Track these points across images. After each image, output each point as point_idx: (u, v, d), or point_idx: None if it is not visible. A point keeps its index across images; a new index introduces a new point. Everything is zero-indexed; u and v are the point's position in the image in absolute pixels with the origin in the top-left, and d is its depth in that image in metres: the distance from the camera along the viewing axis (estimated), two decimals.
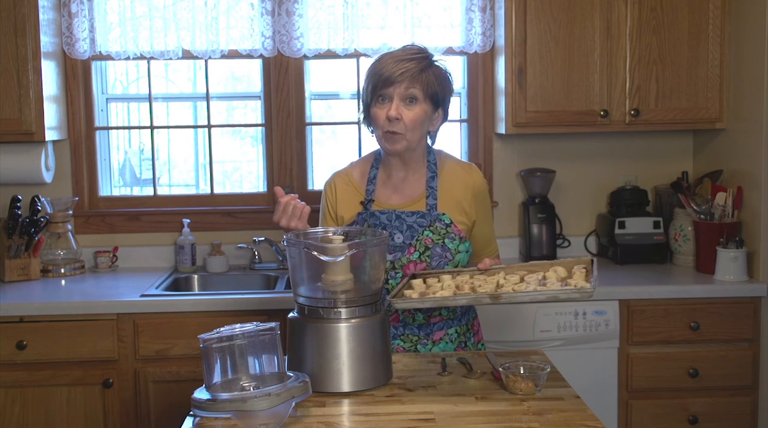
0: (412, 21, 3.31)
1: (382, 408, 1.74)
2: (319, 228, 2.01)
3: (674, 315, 2.92)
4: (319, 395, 1.79)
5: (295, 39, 3.30)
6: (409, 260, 2.14)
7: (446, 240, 2.15)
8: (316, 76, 3.56)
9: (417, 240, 2.15)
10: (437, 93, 2.11)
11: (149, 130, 3.52)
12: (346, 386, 1.80)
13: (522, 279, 1.96)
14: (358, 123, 3.53)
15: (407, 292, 1.93)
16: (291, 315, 1.89)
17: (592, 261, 2.01)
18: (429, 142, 2.24)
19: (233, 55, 3.35)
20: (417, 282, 2.00)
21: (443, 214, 2.16)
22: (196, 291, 3.32)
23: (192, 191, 3.74)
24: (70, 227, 3.34)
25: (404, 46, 2.17)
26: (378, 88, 2.09)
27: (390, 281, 2.16)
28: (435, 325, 2.20)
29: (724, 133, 3.22)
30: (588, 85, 3.13)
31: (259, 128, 3.55)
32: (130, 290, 2.99)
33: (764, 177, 2.93)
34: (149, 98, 3.49)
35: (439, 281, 2.01)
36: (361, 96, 2.21)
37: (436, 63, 2.13)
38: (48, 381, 2.83)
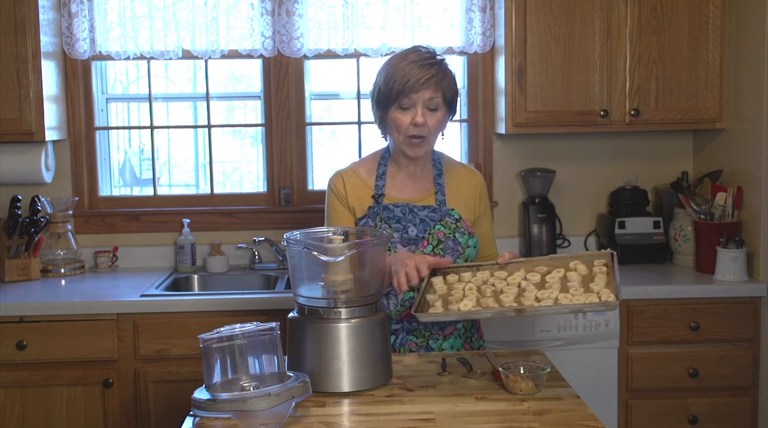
0: (412, 21, 3.31)
1: (382, 408, 1.74)
2: (319, 229, 2.01)
3: (674, 315, 2.92)
4: (319, 395, 1.79)
5: (295, 39, 3.30)
6: (423, 253, 2.15)
7: (457, 235, 2.19)
8: (316, 76, 3.56)
9: (429, 233, 2.18)
10: (453, 97, 2.17)
11: (149, 130, 3.52)
12: (346, 386, 1.80)
13: (543, 279, 1.95)
14: (358, 123, 3.53)
15: (430, 297, 1.93)
16: (291, 315, 1.90)
17: (612, 254, 2.00)
18: None
19: (233, 55, 3.35)
20: (437, 281, 2.00)
21: (452, 210, 2.21)
22: (196, 291, 3.32)
23: (192, 191, 3.74)
24: (70, 227, 3.34)
25: (415, 49, 2.17)
26: (404, 94, 2.09)
27: None
28: None
29: (724, 133, 3.22)
30: (588, 85, 3.13)
31: (259, 128, 3.55)
32: (130, 290, 2.99)
33: (764, 177, 2.93)
34: (149, 98, 3.49)
35: (459, 279, 2.02)
36: (374, 97, 2.19)
37: (447, 65, 2.17)
38: (48, 381, 2.83)
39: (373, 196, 2.22)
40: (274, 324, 1.75)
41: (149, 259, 3.46)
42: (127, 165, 3.77)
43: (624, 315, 2.92)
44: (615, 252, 2.01)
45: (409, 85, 2.08)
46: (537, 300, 1.83)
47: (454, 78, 2.18)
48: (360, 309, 1.83)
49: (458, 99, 2.22)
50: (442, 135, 2.25)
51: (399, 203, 2.20)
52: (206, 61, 3.45)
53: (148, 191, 3.60)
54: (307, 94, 3.48)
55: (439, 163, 2.28)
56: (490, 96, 3.44)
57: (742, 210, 3.07)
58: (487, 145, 3.48)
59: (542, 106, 3.13)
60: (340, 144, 3.69)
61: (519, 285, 1.94)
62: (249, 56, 3.36)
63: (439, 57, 2.16)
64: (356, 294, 1.83)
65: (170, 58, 3.32)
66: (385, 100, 2.14)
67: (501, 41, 3.19)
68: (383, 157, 2.27)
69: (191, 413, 1.67)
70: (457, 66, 3.51)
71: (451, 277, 2.03)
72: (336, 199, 2.24)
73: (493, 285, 1.96)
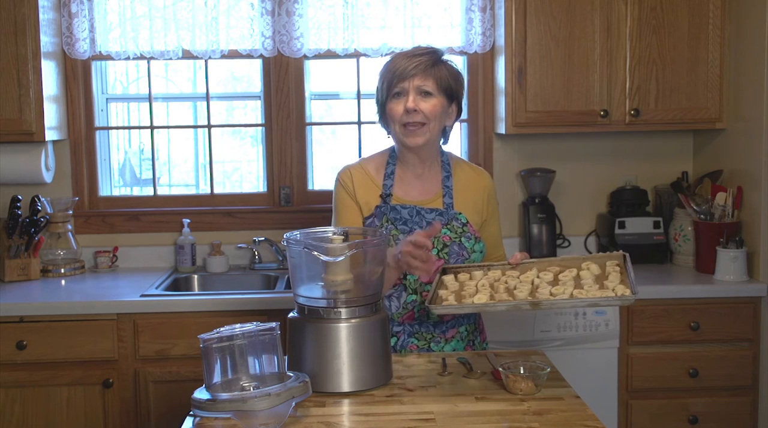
0: (412, 21, 3.31)
1: (382, 408, 1.74)
2: (319, 229, 2.01)
3: (674, 315, 2.92)
4: (319, 395, 1.79)
5: (295, 39, 3.30)
6: None
7: (463, 239, 2.17)
8: (316, 76, 3.56)
9: (435, 237, 2.15)
10: (451, 86, 2.15)
11: (149, 130, 3.52)
12: (346, 386, 1.80)
13: (556, 278, 1.94)
14: (358, 123, 3.53)
15: (442, 293, 1.91)
16: (291, 315, 1.90)
17: (625, 256, 2.00)
18: (441, 140, 2.26)
19: (233, 55, 3.34)
20: (449, 279, 1.99)
21: (460, 214, 2.20)
22: (196, 291, 3.31)
23: (192, 191, 3.74)
24: (70, 227, 3.34)
25: (415, 46, 2.22)
26: (393, 83, 2.12)
27: (408, 277, 2.16)
28: (448, 323, 2.21)
29: (724, 133, 3.22)
30: (588, 85, 3.13)
31: (259, 128, 3.55)
32: (130, 290, 2.99)
33: (764, 177, 2.93)
34: (149, 98, 3.49)
35: (471, 278, 2.01)
36: (375, 96, 2.22)
37: (446, 60, 2.17)
38: (48, 381, 2.83)
39: (381, 196, 2.20)
40: (274, 324, 1.75)
41: (149, 259, 3.45)
42: (127, 165, 3.77)
43: (624, 315, 2.92)
44: (627, 254, 2.01)
45: (398, 73, 2.11)
46: (552, 295, 1.81)
47: (453, 70, 2.17)
48: (360, 309, 1.83)
49: (461, 93, 2.19)
50: (444, 133, 2.23)
51: (406, 205, 2.19)
52: (206, 61, 3.44)
53: (148, 191, 3.60)
54: (307, 94, 3.48)
55: (448, 164, 2.26)
56: (490, 96, 3.44)
57: (742, 210, 3.07)
58: (487, 145, 3.48)
59: (542, 106, 3.13)
60: (340, 144, 3.69)
61: (532, 283, 1.93)
62: (249, 56, 3.36)
63: (434, 50, 2.16)
64: (356, 294, 1.83)
65: (170, 58, 3.31)
66: (381, 95, 2.17)
67: (501, 41, 3.19)
68: (391, 156, 2.26)
69: (191, 413, 1.67)
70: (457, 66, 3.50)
71: (463, 276, 2.02)
72: (344, 192, 2.23)
73: (506, 282, 1.95)
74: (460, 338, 2.23)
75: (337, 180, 2.26)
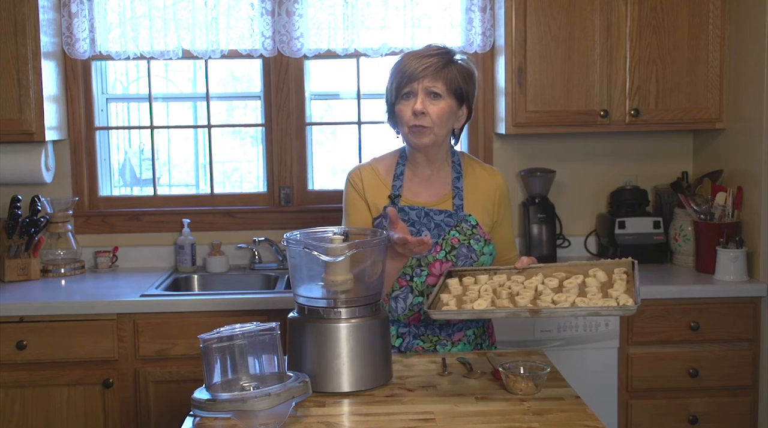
0: (412, 21, 3.31)
1: (382, 408, 1.74)
2: (319, 228, 2.00)
3: (674, 315, 2.92)
4: (319, 395, 1.79)
5: (295, 39, 3.30)
6: (435, 258, 2.14)
7: (472, 241, 2.15)
8: (316, 76, 3.56)
9: (443, 239, 2.14)
10: (461, 88, 2.12)
11: (149, 130, 3.52)
12: (346, 386, 1.81)
13: (560, 284, 1.93)
14: (358, 123, 3.53)
15: (444, 297, 1.90)
16: (291, 315, 1.90)
17: (633, 263, 1.98)
18: (452, 141, 2.24)
19: (233, 55, 3.35)
20: (453, 282, 1.98)
21: (470, 215, 2.17)
22: (196, 291, 3.32)
23: (192, 191, 3.75)
24: (70, 227, 3.34)
25: (427, 45, 2.18)
26: (402, 85, 2.10)
27: (415, 279, 2.15)
28: (455, 326, 2.20)
29: (724, 133, 3.22)
30: (588, 85, 3.13)
31: (259, 128, 3.55)
32: (130, 290, 2.99)
33: (764, 177, 2.93)
34: (149, 98, 3.49)
35: (475, 282, 2.00)
36: (385, 96, 2.19)
37: (458, 60, 2.14)
38: (48, 381, 2.83)
39: (389, 196, 2.19)
40: (274, 324, 1.75)
41: (149, 259, 3.46)
42: (127, 165, 3.77)
43: (624, 316, 2.92)
44: (636, 261, 1.99)
45: (407, 74, 2.09)
46: (553, 302, 1.80)
47: (465, 70, 2.13)
48: (360, 309, 1.83)
49: (472, 94, 2.15)
50: (454, 134, 2.22)
51: (415, 206, 2.17)
52: (206, 61, 3.45)
53: (148, 191, 3.60)
54: (307, 94, 3.48)
55: (459, 165, 2.23)
56: (490, 96, 3.44)
57: (742, 210, 3.07)
58: (487, 145, 3.48)
59: (542, 106, 3.13)
60: (340, 144, 3.69)
61: (536, 289, 1.92)
62: (249, 56, 3.36)
63: (446, 50, 2.13)
64: (356, 294, 1.84)
65: (170, 58, 3.31)
66: (390, 95, 2.15)
67: (501, 41, 3.19)
68: (401, 157, 2.24)
69: (191, 413, 1.67)
70: None
71: (467, 280, 2.01)
72: (354, 192, 2.22)
73: (509, 288, 1.94)
74: (467, 341, 2.21)
75: (348, 180, 2.25)
